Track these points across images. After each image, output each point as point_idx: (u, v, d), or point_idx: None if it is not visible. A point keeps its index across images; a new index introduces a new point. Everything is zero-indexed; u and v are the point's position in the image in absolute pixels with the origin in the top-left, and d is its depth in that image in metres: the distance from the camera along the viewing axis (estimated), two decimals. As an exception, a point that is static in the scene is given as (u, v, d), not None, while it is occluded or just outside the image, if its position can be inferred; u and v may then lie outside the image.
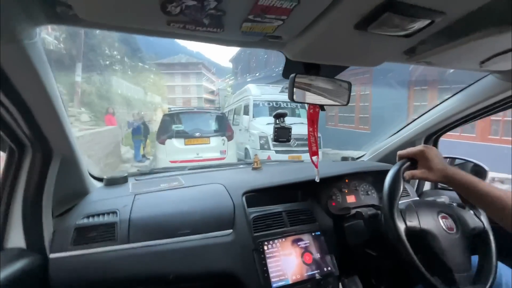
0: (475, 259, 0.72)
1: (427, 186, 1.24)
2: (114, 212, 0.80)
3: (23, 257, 0.64)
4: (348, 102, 0.79)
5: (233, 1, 0.37)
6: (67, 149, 0.73)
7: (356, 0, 0.40)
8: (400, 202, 0.74)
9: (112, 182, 1.02)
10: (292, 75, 0.66)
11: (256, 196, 0.94)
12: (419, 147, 0.70)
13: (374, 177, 1.10)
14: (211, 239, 0.79)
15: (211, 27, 0.43)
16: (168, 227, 0.79)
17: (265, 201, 0.94)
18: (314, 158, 0.83)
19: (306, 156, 4.29)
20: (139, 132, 7.82)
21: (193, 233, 0.79)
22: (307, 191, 0.99)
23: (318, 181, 0.93)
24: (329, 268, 0.82)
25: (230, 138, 4.83)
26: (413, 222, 0.69)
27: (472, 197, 0.65)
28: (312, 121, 0.79)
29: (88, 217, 0.78)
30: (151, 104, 16.92)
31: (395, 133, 1.26)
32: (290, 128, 0.97)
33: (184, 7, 0.37)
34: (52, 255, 0.69)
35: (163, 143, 4.53)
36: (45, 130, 0.62)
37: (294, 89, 0.68)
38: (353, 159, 1.45)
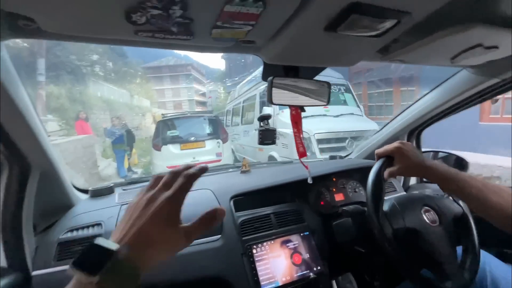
0: (459, 249, 0.74)
1: (413, 180, 1.26)
2: (98, 224, 0.78)
3: (4, 276, 0.62)
4: (328, 102, 0.81)
5: (199, 9, 0.38)
6: (45, 163, 0.71)
7: (321, 3, 0.41)
8: (386, 198, 0.76)
9: (98, 193, 1.00)
10: (270, 78, 0.67)
11: (244, 199, 0.94)
12: (394, 144, 0.70)
13: (361, 174, 1.11)
14: (200, 246, 0.79)
15: (180, 34, 0.43)
16: None
17: (253, 204, 0.94)
18: (304, 159, 0.84)
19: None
20: (121, 140, 6.42)
21: None
22: (295, 192, 0.99)
23: (311, 182, 0.93)
24: (319, 268, 0.82)
25: (224, 140, 4.87)
26: (398, 223, 0.69)
27: (452, 189, 0.65)
28: (296, 123, 0.80)
29: (72, 230, 0.76)
30: (138, 108, 15.37)
31: (379, 130, 1.28)
32: (275, 130, 0.98)
33: (150, 16, 0.37)
34: (35, 272, 0.67)
35: (159, 149, 4.58)
36: (20, 145, 0.61)
37: (273, 91, 0.69)
38: (341, 157, 1.47)
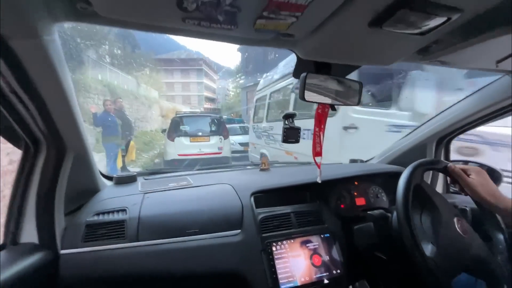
0: None
1: (439, 188, 1.21)
2: (123, 210, 0.80)
3: (35, 253, 0.65)
4: (359, 103, 0.79)
5: None
6: (80, 147, 0.74)
7: None
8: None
9: (122, 181, 1.03)
10: (303, 74, 0.66)
11: (264, 196, 0.94)
12: (474, 167, 0.70)
13: (384, 180, 1.08)
14: (219, 239, 0.79)
15: (225, 24, 0.43)
16: (177, 226, 0.79)
17: (273, 202, 0.93)
18: (318, 158, 0.83)
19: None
20: (115, 131, 4.83)
21: (201, 233, 0.79)
22: (315, 193, 0.98)
23: (319, 182, 0.92)
24: (339, 271, 0.81)
25: (226, 137, 5.88)
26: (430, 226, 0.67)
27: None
28: (320, 121, 0.79)
29: (98, 214, 0.79)
30: (145, 98, 13.25)
31: (405, 136, 1.24)
32: (299, 129, 0.97)
33: (200, 3, 0.37)
34: (63, 251, 0.70)
35: (172, 140, 5.54)
36: (60, 127, 0.64)
37: (306, 88, 0.68)
38: (362, 161, 1.44)
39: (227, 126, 6.43)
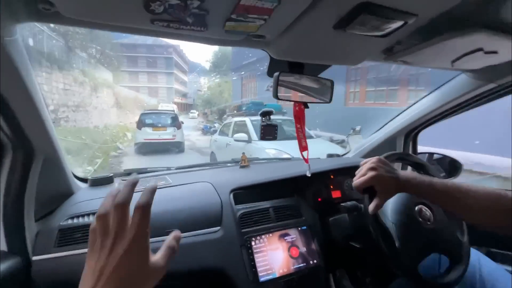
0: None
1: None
2: None
3: (5, 260, 0.62)
4: (331, 100, 0.82)
5: (216, 1, 0.39)
6: (49, 149, 0.71)
7: (333, 1, 0.43)
8: None
9: (97, 183, 1.00)
10: (276, 73, 0.68)
11: (244, 193, 0.96)
12: (368, 173, 0.66)
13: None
14: (199, 237, 0.80)
15: (194, 26, 0.44)
16: (156, 226, 0.78)
17: (252, 198, 0.95)
18: (305, 153, 0.86)
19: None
20: None
21: (181, 231, 0.79)
22: (293, 187, 1.01)
23: (309, 175, 0.95)
24: (315, 261, 0.85)
25: (178, 127, 8.02)
26: (394, 218, 0.72)
27: (429, 196, 0.64)
28: (299, 118, 0.82)
29: (72, 218, 0.77)
30: (84, 74, 9.26)
31: (378, 130, 1.31)
32: (277, 126, 0.99)
33: (168, 6, 0.38)
34: (35, 258, 0.68)
35: (140, 129, 7.65)
36: (26, 129, 0.61)
37: (278, 87, 0.70)
38: (338, 155, 1.49)
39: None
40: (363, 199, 0.73)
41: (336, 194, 1.08)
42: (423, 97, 1.05)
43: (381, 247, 0.68)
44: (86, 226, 0.75)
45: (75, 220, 0.76)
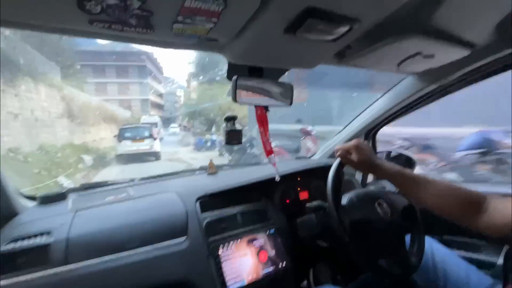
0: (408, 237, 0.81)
1: (371, 178, 1.36)
2: (48, 233, 0.71)
3: None
4: (291, 103, 0.84)
5: (159, 2, 0.37)
6: None
7: (280, 6, 0.44)
8: (346, 194, 0.81)
9: (48, 200, 0.91)
10: (234, 77, 0.68)
11: (211, 200, 0.93)
12: (352, 141, 0.76)
13: (325, 173, 1.17)
14: (163, 249, 0.76)
15: (139, 27, 0.42)
16: (114, 242, 0.73)
17: (220, 204, 0.94)
18: (271, 157, 0.86)
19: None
20: None
21: (143, 245, 0.75)
22: (261, 192, 1.01)
23: (278, 180, 0.95)
24: (284, 264, 0.85)
25: (155, 139, 9.02)
26: (355, 215, 0.75)
27: (397, 184, 0.72)
28: (262, 122, 0.82)
29: (15, 241, 0.69)
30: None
31: (341, 131, 1.37)
32: (241, 130, 0.99)
33: (106, 6, 0.36)
34: None
35: (120, 142, 8.67)
36: None
37: (237, 91, 0.70)
38: (305, 158, 1.53)
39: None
40: (327, 196, 0.75)
41: (303, 195, 1.10)
42: (378, 99, 1.12)
43: (344, 243, 0.70)
44: (31, 249, 0.67)
45: (19, 243, 0.68)
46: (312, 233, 0.94)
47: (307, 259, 1.06)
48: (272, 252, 0.85)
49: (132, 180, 1.18)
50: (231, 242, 0.82)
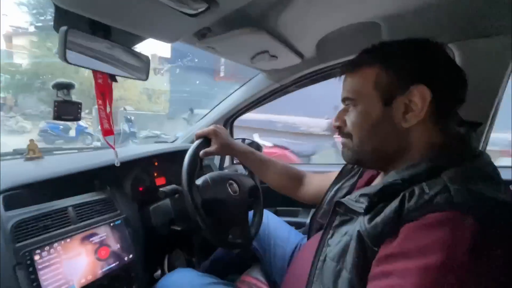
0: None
1: (227, 163, 1.48)
2: None
3: None
4: (147, 77, 0.76)
5: None
6: None
7: None
8: (202, 177, 0.83)
9: None
10: (63, 28, 0.52)
11: (26, 194, 0.69)
12: (211, 126, 0.81)
13: (183, 157, 1.15)
14: None
15: None
16: None
17: (42, 198, 0.71)
18: (109, 138, 0.73)
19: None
20: None
21: None
22: (106, 179, 0.86)
23: (118, 165, 0.84)
24: (131, 256, 0.76)
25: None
26: (208, 194, 0.78)
27: (249, 163, 0.85)
28: (102, 94, 0.68)
29: None
30: None
31: (202, 118, 1.39)
32: (80, 103, 0.79)
33: None
34: None
35: None
36: None
37: (70, 47, 0.54)
38: (166, 142, 1.45)
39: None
40: (182, 177, 0.73)
41: (160, 181, 1.04)
42: (236, 90, 1.23)
43: (198, 223, 0.72)
44: None
45: None
46: (166, 219, 0.90)
47: (162, 247, 1.02)
48: (116, 246, 0.74)
49: None
50: (56, 243, 0.64)
